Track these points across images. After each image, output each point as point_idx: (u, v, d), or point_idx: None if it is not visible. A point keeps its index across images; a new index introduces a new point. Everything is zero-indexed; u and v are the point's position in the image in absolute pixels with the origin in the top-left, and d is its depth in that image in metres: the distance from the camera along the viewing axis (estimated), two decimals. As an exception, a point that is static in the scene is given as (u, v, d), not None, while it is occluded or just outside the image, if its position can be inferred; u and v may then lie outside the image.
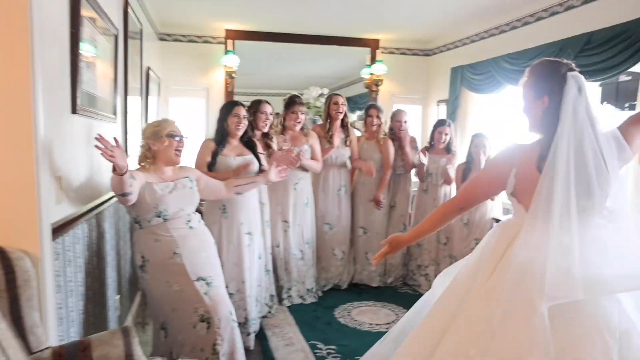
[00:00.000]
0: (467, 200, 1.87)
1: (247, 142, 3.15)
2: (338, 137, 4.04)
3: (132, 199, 2.20)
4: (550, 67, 1.62)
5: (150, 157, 2.37)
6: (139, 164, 2.41)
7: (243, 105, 3.10)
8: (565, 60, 1.64)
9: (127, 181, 2.09)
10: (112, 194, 2.68)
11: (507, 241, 1.66)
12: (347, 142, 4.08)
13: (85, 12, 2.14)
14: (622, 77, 3.39)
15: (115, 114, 2.84)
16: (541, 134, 1.63)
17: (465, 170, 3.95)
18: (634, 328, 1.51)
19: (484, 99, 4.90)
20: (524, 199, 1.64)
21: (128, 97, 3.25)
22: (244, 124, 3.06)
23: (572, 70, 1.59)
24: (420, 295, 3.89)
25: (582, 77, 1.59)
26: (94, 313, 2.32)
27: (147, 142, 2.37)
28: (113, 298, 2.72)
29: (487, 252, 1.75)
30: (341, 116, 4.04)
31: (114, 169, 2.01)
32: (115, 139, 2.00)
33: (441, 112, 5.62)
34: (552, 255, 1.47)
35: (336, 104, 4.01)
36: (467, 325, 1.64)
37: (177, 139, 2.37)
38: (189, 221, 2.44)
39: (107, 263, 2.59)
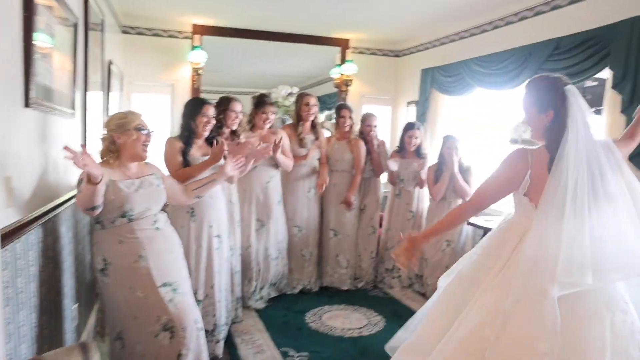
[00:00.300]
0: (482, 201, 1.98)
1: (212, 142, 3.03)
2: (310, 140, 3.98)
3: (99, 210, 2.06)
4: (550, 84, 1.83)
5: (114, 152, 2.20)
6: (101, 158, 2.23)
7: (211, 104, 2.96)
8: (557, 75, 1.87)
9: (100, 191, 1.95)
10: (70, 194, 2.51)
11: (518, 237, 1.82)
12: (318, 145, 4.01)
13: (41, -2, 1.96)
14: (589, 83, 3.47)
15: (73, 108, 2.65)
16: (546, 142, 1.84)
17: (437, 171, 3.96)
18: (628, 306, 1.73)
19: (454, 101, 4.92)
20: (534, 198, 1.81)
21: (88, 92, 3.05)
22: (212, 124, 2.94)
23: (566, 84, 1.81)
24: (390, 296, 3.88)
25: (575, 89, 1.81)
26: (49, 326, 2.14)
27: (112, 135, 2.19)
28: (70, 308, 2.53)
29: (496, 248, 1.90)
30: (312, 117, 3.97)
31: (88, 179, 1.86)
32: (82, 146, 1.90)
33: (411, 113, 5.63)
34: (564, 245, 1.65)
35: (307, 104, 3.93)
36: (479, 312, 1.78)
37: (144, 132, 2.23)
38: (155, 221, 2.29)
39: (64, 270, 2.40)
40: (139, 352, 2.23)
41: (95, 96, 3.40)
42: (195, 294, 2.92)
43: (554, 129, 1.79)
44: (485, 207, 2.00)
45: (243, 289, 3.62)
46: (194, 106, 2.90)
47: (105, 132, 2.22)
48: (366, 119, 4.24)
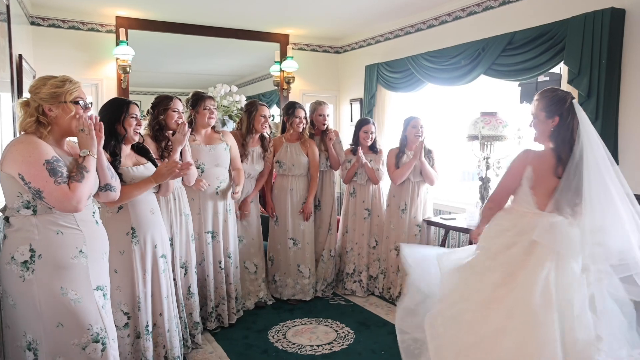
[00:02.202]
0: (500, 204, 2.20)
1: (140, 149, 2.64)
2: (255, 153, 3.70)
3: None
4: (559, 96, 2.09)
5: (46, 124, 1.83)
6: (24, 130, 1.84)
7: (136, 104, 2.56)
8: (567, 91, 2.16)
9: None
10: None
11: (529, 236, 2.00)
12: (264, 157, 3.73)
13: None
14: (541, 77, 3.50)
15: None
16: (554, 144, 2.08)
17: (399, 154, 3.84)
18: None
19: (402, 98, 4.83)
20: (536, 194, 2.05)
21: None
22: (140, 126, 2.56)
23: (573, 98, 2.08)
24: (354, 304, 3.71)
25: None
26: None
27: (42, 105, 1.82)
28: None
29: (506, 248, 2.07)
30: (266, 130, 3.66)
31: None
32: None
33: (355, 111, 5.49)
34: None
35: (264, 116, 3.62)
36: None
37: (81, 104, 1.87)
38: (94, 212, 1.99)
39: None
40: None
41: (4, 98, 2.83)
42: (146, 325, 2.54)
43: (560, 133, 2.04)
44: (500, 207, 2.21)
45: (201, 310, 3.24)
46: (118, 107, 2.48)
47: (31, 100, 1.83)
48: (317, 108, 3.99)
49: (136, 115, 2.52)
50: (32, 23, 4.29)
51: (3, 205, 1.91)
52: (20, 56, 3.36)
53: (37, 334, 1.82)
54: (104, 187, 2.05)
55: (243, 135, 3.63)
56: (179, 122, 2.96)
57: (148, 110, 3.00)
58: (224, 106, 5.25)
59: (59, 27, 4.42)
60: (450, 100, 4.48)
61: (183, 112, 3.04)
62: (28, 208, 1.80)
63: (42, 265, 1.79)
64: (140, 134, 2.61)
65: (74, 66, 4.44)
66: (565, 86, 3.19)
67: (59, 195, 1.75)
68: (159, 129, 2.95)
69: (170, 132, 2.98)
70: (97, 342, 1.87)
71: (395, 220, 3.88)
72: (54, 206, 1.78)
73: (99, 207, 2.09)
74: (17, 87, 3.30)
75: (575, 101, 2.06)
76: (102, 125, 1.95)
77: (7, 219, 1.84)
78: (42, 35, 4.32)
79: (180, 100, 3.04)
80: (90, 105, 1.95)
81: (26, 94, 3.49)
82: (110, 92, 4.56)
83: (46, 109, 1.81)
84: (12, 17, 3.20)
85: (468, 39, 3.85)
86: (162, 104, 2.96)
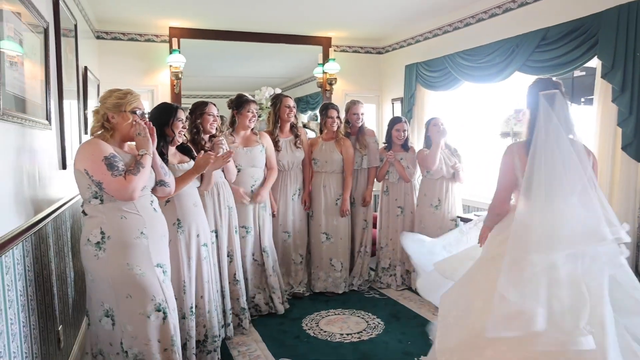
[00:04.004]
0: (503, 206, 2.21)
1: (184, 149, 2.92)
2: (286, 142, 3.89)
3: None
4: (533, 87, 2.15)
5: (109, 129, 2.17)
6: (92, 133, 2.19)
7: (183, 109, 2.85)
8: (553, 79, 2.26)
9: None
10: (50, 209, 2.36)
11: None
12: (298, 144, 3.91)
13: (6, 4, 1.82)
14: (577, 73, 3.44)
15: (48, 119, 2.49)
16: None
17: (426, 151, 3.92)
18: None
19: (441, 96, 4.87)
20: None
21: (64, 101, 2.89)
22: (185, 129, 2.87)
23: (549, 89, 2.05)
24: (388, 298, 3.83)
25: (555, 93, 2.03)
26: (32, 352, 1.99)
27: (107, 113, 2.15)
28: (55, 330, 2.38)
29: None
30: (292, 119, 3.87)
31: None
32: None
33: (396, 110, 5.57)
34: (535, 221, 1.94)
35: (288, 107, 3.84)
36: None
37: (138, 113, 2.20)
38: (152, 202, 2.29)
39: (45, 291, 2.25)
40: (129, 332, 2.14)
41: (71, 105, 3.23)
42: (190, 307, 2.82)
43: (529, 126, 2.11)
44: (507, 209, 2.20)
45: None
46: (167, 111, 2.77)
47: (100, 107, 2.17)
48: (351, 107, 4.15)
49: (182, 119, 2.80)
50: (98, 37, 4.78)
51: (82, 201, 2.24)
52: (85, 68, 3.79)
53: (111, 304, 2.14)
54: (159, 183, 2.37)
55: (272, 129, 3.85)
56: (214, 126, 3.20)
57: (186, 115, 3.26)
58: (268, 108, 5.52)
59: (120, 39, 4.88)
60: (487, 98, 4.46)
61: (217, 116, 3.26)
62: (96, 198, 2.10)
63: (111, 244, 2.09)
64: (185, 135, 2.91)
65: (133, 74, 4.89)
66: (598, 80, 3.13)
67: (116, 186, 2.04)
68: (197, 132, 3.17)
69: (207, 135, 3.23)
70: (159, 311, 2.17)
71: (427, 218, 3.95)
72: (112, 195, 2.08)
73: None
74: (83, 95, 3.72)
75: (544, 92, 2.03)
76: (155, 130, 2.27)
77: (84, 212, 2.17)
78: (106, 48, 4.80)
79: (214, 105, 3.25)
80: (146, 115, 2.29)
81: (91, 101, 3.94)
82: (164, 97, 4.96)
83: (109, 116, 2.14)
84: (79, 32, 3.64)
85: (503, 36, 3.84)
86: (198, 109, 3.17)
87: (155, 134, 2.27)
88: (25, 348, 1.91)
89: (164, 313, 2.18)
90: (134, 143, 2.26)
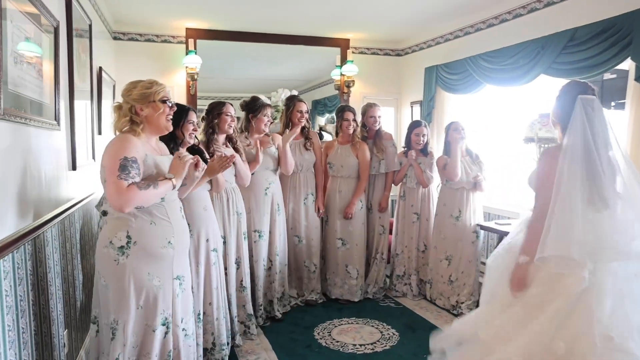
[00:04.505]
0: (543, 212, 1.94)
1: (194, 150, 2.84)
2: (297, 145, 3.81)
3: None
4: (569, 88, 2.01)
5: (139, 123, 2.01)
6: (120, 130, 2.03)
7: (195, 111, 2.78)
8: (583, 82, 2.04)
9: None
10: (58, 211, 2.31)
11: None
12: (307, 146, 3.81)
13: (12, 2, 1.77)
14: (607, 75, 3.27)
15: (56, 119, 2.44)
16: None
17: (447, 160, 3.78)
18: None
19: (461, 100, 4.72)
20: None
21: (75, 101, 2.85)
22: (196, 131, 2.79)
23: (587, 94, 1.93)
24: (404, 307, 3.69)
25: (595, 100, 1.92)
26: (33, 358, 1.93)
27: (134, 106, 2.00)
28: (59, 334, 2.32)
29: None
30: (304, 123, 3.78)
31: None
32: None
33: (415, 113, 5.43)
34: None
35: (300, 112, 3.76)
36: None
37: (169, 104, 2.08)
38: (181, 208, 2.19)
39: (50, 295, 2.20)
40: (132, 344, 2.02)
41: (83, 106, 3.20)
42: (198, 313, 2.75)
43: (562, 129, 1.99)
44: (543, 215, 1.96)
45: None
46: (178, 113, 2.67)
47: (124, 102, 2.03)
48: (368, 110, 4.03)
49: (193, 121, 2.73)
50: (115, 38, 4.77)
51: (98, 200, 2.17)
52: (100, 68, 3.77)
53: (120, 314, 1.99)
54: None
55: (282, 131, 3.77)
56: (232, 126, 3.14)
57: (202, 116, 3.20)
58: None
59: (137, 40, 4.87)
60: (510, 102, 4.29)
61: (235, 116, 3.21)
62: None
63: (136, 251, 1.96)
64: (196, 137, 2.84)
65: (149, 75, 4.64)
66: (631, 84, 2.96)
67: (114, 188, 1.86)
68: (212, 132, 3.11)
69: (224, 135, 3.16)
70: (163, 325, 2.06)
71: (447, 229, 3.79)
72: (107, 197, 1.92)
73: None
74: (97, 95, 3.70)
75: (583, 96, 1.91)
76: (203, 164, 2.21)
77: (104, 212, 2.04)
78: (123, 49, 4.79)
79: (232, 105, 3.21)
80: (175, 106, 2.15)
81: (106, 102, 3.92)
82: (180, 98, 4.93)
83: (138, 109, 2.00)
84: (96, 33, 3.62)
85: (528, 37, 3.68)
86: (215, 109, 3.12)
87: (200, 168, 2.22)
88: (24, 355, 1.85)
89: (167, 327, 2.08)
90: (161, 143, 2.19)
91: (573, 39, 3.27)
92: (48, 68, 2.31)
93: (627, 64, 3.09)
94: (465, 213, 3.72)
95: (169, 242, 2.04)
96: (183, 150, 2.56)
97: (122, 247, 1.96)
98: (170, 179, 2.02)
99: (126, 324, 1.99)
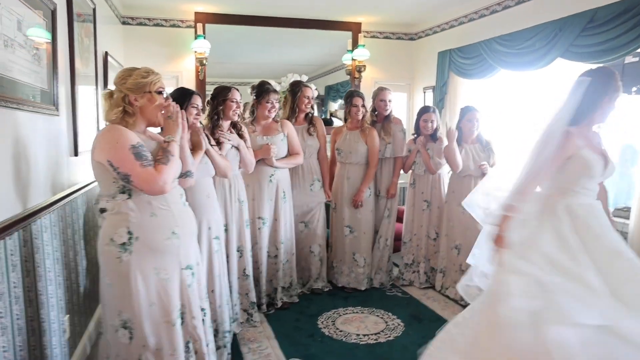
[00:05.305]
0: None
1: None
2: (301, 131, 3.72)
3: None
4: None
5: (132, 113, 1.92)
6: (110, 119, 1.93)
7: (199, 94, 2.71)
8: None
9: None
10: (54, 199, 2.30)
11: None
12: (311, 131, 3.73)
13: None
14: (629, 59, 3.10)
15: (56, 105, 2.42)
16: None
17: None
18: None
19: (474, 85, 4.56)
20: None
21: (77, 87, 2.83)
22: (200, 116, 2.71)
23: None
24: (410, 297, 3.63)
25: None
26: (29, 345, 1.94)
27: (128, 95, 1.90)
28: (59, 320, 2.33)
29: None
30: (309, 110, 3.71)
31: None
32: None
33: (428, 99, 5.30)
34: None
35: (308, 97, 3.68)
36: None
37: (165, 96, 1.99)
38: (182, 195, 2.10)
39: (48, 281, 2.19)
40: (153, 346, 1.94)
41: (87, 91, 3.18)
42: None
43: None
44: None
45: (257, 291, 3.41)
46: (181, 97, 2.63)
47: (117, 90, 1.93)
48: (379, 94, 3.92)
49: (197, 105, 2.66)
50: (123, 23, 4.74)
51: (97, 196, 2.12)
52: (106, 53, 3.75)
53: (130, 313, 1.90)
54: (185, 174, 2.17)
55: (288, 115, 3.70)
56: (237, 112, 3.08)
57: (208, 101, 3.15)
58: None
59: (146, 24, 4.83)
60: (525, 87, 4.13)
61: (241, 102, 3.15)
62: (124, 193, 1.88)
63: (139, 246, 1.88)
64: (200, 122, 2.79)
65: (158, 60, 4.83)
66: (653, 68, 2.80)
67: (146, 177, 1.81)
68: (217, 118, 3.07)
69: (229, 121, 3.11)
70: (179, 318, 2.01)
71: (455, 217, 3.69)
72: (142, 189, 1.84)
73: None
74: (103, 80, 3.68)
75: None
76: (185, 115, 2.07)
77: (102, 210, 1.93)
78: (131, 33, 4.76)
79: (238, 90, 3.15)
80: (170, 98, 2.05)
81: (111, 86, 3.89)
82: (189, 83, 4.89)
83: (132, 99, 1.89)
84: (101, 17, 3.58)
85: (544, 19, 3.52)
86: (221, 94, 3.04)
87: (185, 119, 2.06)
88: (19, 341, 1.85)
89: (182, 319, 2.03)
90: (154, 129, 2.09)
91: (593, 20, 3.11)
92: (44, 53, 2.28)
93: (650, 47, 2.93)
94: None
95: (173, 232, 1.95)
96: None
97: (124, 244, 1.87)
98: (172, 141, 1.95)
99: (141, 324, 1.92)
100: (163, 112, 1.97)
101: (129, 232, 1.88)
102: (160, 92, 1.96)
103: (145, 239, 1.90)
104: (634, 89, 3.08)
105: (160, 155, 1.91)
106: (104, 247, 1.91)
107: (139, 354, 1.94)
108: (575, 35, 3.22)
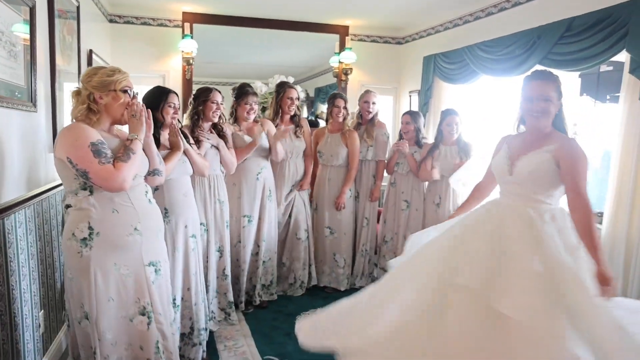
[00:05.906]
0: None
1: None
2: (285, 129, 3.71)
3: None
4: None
5: (96, 112, 1.94)
6: (75, 116, 1.95)
7: (176, 93, 2.72)
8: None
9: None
10: (29, 195, 2.31)
11: None
12: (298, 133, 3.76)
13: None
14: (603, 67, 3.16)
15: (33, 101, 2.43)
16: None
17: (432, 148, 3.70)
18: None
19: (458, 90, 4.62)
20: None
21: (58, 84, 2.84)
22: (177, 115, 2.71)
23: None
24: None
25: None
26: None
27: (93, 93, 1.93)
28: (33, 315, 2.34)
29: None
30: (293, 112, 3.73)
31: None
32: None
33: (413, 103, 5.36)
34: None
35: (291, 98, 3.70)
36: None
37: (129, 93, 2.00)
38: (146, 192, 2.11)
39: (22, 276, 2.21)
40: (109, 341, 1.96)
41: (70, 88, 3.19)
42: (173, 299, 2.74)
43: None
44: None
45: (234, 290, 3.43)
46: (158, 96, 2.65)
47: (83, 87, 1.94)
48: (363, 96, 3.97)
49: (174, 104, 2.67)
50: (110, 21, 4.75)
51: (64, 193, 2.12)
52: (90, 51, 3.76)
53: (91, 307, 1.93)
54: (152, 172, 2.19)
55: (272, 117, 3.72)
56: (217, 114, 3.09)
57: (190, 101, 3.17)
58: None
59: (133, 23, 4.84)
60: (507, 92, 4.20)
61: (221, 103, 3.16)
62: (85, 189, 1.91)
63: (99, 242, 1.89)
64: (179, 120, 2.80)
65: (145, 59, 4.85)
66: (626, 76, 2.86)
67: (104, 174, 1.83)
68: (197, 119, 3.05)
69: (209, 123, 3.13)
70: (143, 315, 2.00)
71: (429, 215, 3.75)
72: (100, 185, 1.86)
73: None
74: (87, 78, 3.68)
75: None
76: (150, 114, 2.10)
77: (67, 206, 1.95)
78: (118, 32, 4.77)
79: (219, 92, 3.15)
80: (136, 95, 2.06)
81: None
82: (175, 83, 4.91)
83: (97, 96, 1.91)
84: (86, 15, 3.59)
85: (525, 26, 3.58)
86: (202, 95, 3.06)
87: (151, 119, 2.09)
88: (-13, 335, 1.87)
89: (149, 318, 2.01)
90: (122, 127, 2.10)
91: (570, 29, 3.17)
92: (22, 49, 2.29)
93: (624, 56, 2.99)
94: (446, 202, 3.67)
95: (135, 228, 1.97)
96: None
97: (84, 239, 1.90)
98: (134, 139, 1.97)
99: (97, 319, 1.94)
100: (126, 111, 1.99)
101: (90, 228, 1.90)
102: (125, 91, 1.98)
103: (106, 235, 1.91)
104: (608, 97, 3.14)
105: (121, 152, 1.92)
106: (66, 242, 1.94)
107: (96, 346, 1.96)
108: (552, 43, 3.27)
